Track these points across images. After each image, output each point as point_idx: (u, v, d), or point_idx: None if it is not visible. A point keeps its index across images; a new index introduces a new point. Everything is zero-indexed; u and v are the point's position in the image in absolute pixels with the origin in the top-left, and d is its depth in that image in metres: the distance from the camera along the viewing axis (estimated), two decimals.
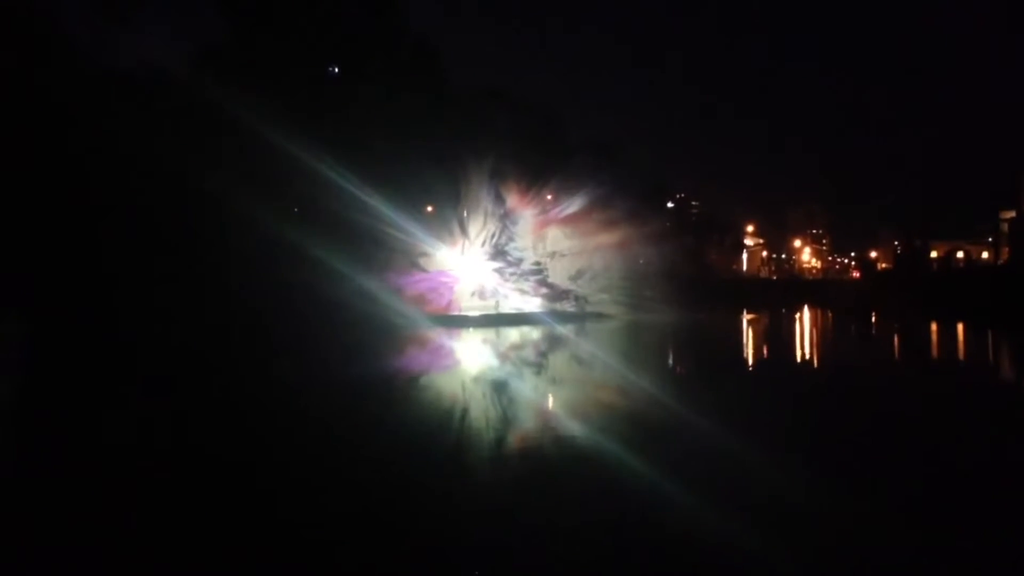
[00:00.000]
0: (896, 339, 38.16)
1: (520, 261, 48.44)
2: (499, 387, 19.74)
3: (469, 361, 27.81)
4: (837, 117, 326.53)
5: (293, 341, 31.39)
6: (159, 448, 12.44)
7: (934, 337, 37.40)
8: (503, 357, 28.18)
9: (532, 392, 19.23)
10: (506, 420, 15.22)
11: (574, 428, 13.96)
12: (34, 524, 8.78)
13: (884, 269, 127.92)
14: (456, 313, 45.24)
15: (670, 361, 28.80)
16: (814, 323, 49.76)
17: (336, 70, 48.13)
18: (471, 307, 46.59)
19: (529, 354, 29.57)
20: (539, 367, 25.25)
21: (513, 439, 13.35)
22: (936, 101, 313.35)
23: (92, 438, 13.21)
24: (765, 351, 31.11)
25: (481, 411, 16.46)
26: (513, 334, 37.78)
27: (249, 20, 45.48)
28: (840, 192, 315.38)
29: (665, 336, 37.28)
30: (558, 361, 27.48)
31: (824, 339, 37.78)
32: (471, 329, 40.72)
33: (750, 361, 27.07)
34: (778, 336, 38.90)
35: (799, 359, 27.54)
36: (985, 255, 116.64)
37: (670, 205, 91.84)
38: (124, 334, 29.70)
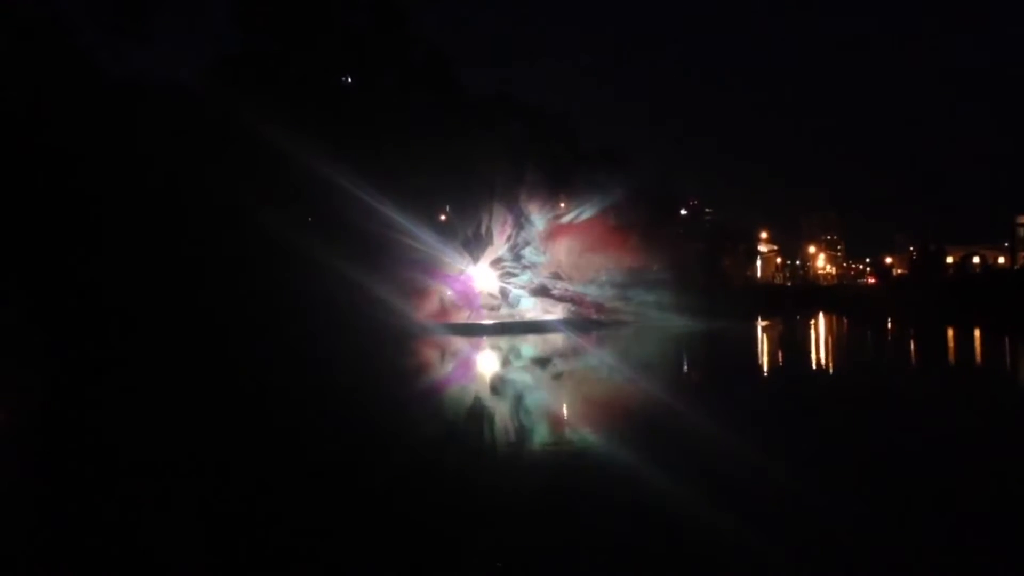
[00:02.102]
0: (926, 347, 37.31)
1: (535, 268, 48.31)
2: (528, 397, 19.61)
3: (491, 371, 27.53)
4: (853, 122, 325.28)
5: (300, 346, 31.40)
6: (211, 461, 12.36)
7: (963, 344, 36.92)
8: (527, 367, 27.94)
9: (561, 402, 19.16)
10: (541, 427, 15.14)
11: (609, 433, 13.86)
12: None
13: (900, 275, 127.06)
14: (471, 322, 45.12)
15: (695, 370, 28.46)
16: (837, 330, 49.32)
17: (349, 79, 48.29)
18: (486, 316, 46.47)
19: (553, 364, 29.16)
20: (566, 377, 24.92)
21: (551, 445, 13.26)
22: (952, 105, 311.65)
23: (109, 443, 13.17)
24: (794, 361, 30.10)
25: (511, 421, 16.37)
26: (531, 343, 37.50)
27: (262, 30, 45.71)
28: (855, 198, 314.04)
29: (688, 344, 36.76)
30: (585, 371, 27.13)
31: (851, 348, 37.34)
32: (486, 338, 40.48)
33: (778, 372, 26.57)
34: (805, 345, 38.28)
35: (832, 369, 27.18)
36: (1001, 260, 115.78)
37: (683, 212, 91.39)
38: (138, 340, 29.78)
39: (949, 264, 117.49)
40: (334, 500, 10.12)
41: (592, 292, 49.16)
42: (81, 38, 37.47)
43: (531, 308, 47.60)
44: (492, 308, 47.11)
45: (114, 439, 13.86)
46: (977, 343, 36.63)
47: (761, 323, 52.24)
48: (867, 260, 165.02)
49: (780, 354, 33.05)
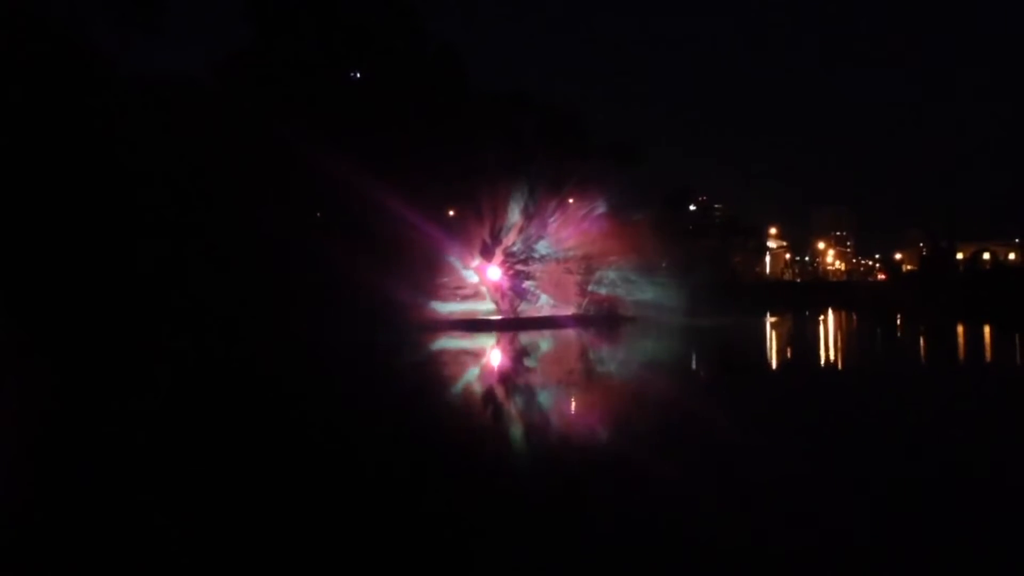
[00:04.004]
0: (936, 344, 36.94)
1: (543, 262, 48.21)
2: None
3: (505, 370, 27.37)
4: (863, 117, 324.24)
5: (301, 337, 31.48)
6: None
7: (974, 341, 36.70)
8: (545, 367, 27.82)
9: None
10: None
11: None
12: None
13: (910, 271, 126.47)
14: (478, 317, 45.10)
15: (720, 369, 28.01)
16: (849, 327, 49.07)
17: (358, 74, 48.26)
18: (492, 312, 46.49)
19: (572, 363, 28.95)
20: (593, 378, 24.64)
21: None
22: (961, 101, 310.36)
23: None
24: (804, 359, 29.67)
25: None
26: (544, 339, 37.33)
27: (272, 25, 45.72)
28: (866, 193, 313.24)
29: (704, 341, 36.44)
30: (606, 369, 27.01)
31: (868, 344, 37.22)
32: (495, 334, 40.39)
33: (784, 372, 26.41)
34: (814, 342, 38.07)
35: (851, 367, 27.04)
36: (1012, 256, 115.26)
37: (693, 208, 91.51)
38: (147, 337, 29.87)
39: (960, 261, 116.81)
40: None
41: (602, 288, 49.00)
42: (91, 30, 37.57)
43: (544, 304, 47.60)
44: (501, 304, 47.11)
45: (115, 439, 13.77)
46: (988, 340, 36.43)
47: (770, 319, 52.13)
48: (877, 256, 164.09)
49: (789, 352, 32.90)
